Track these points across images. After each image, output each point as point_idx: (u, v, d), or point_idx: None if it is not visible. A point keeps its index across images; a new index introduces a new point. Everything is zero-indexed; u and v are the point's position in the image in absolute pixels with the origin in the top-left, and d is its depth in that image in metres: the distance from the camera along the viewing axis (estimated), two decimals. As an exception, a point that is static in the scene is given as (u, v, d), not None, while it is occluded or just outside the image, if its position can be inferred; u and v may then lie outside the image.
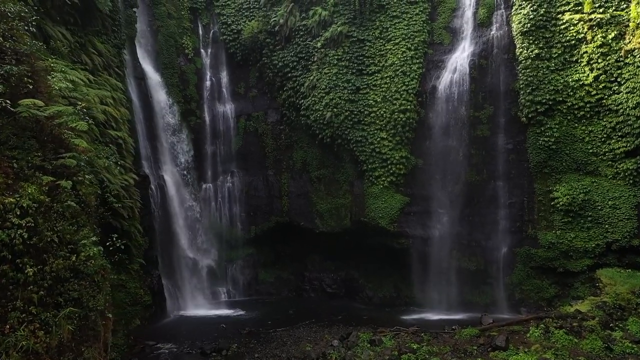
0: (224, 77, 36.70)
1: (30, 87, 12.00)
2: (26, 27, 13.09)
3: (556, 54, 28.13)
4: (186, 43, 35.04)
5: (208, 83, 36.13)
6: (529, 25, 28.48)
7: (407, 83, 31.23)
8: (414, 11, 32.27)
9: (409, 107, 30.97)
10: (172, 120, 32.78)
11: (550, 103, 28.01)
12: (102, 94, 22.71)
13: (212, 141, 35.62)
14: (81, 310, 11.07)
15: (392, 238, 31.80)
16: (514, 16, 29.33)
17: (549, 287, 28.38)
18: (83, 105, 14.60)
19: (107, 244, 14.26)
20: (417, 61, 31.53)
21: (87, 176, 12.70)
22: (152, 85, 31.60)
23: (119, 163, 23.46)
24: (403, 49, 31.69)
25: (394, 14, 32.43)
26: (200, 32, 36.54)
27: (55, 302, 10.73)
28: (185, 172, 33.31)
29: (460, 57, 30.81)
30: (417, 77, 31.22)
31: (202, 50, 36.35)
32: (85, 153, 13.53)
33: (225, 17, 36.33)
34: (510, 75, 29.62)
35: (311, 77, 33.27)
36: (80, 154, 12.80)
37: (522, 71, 28.70)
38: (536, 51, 28.29)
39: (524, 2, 29.02)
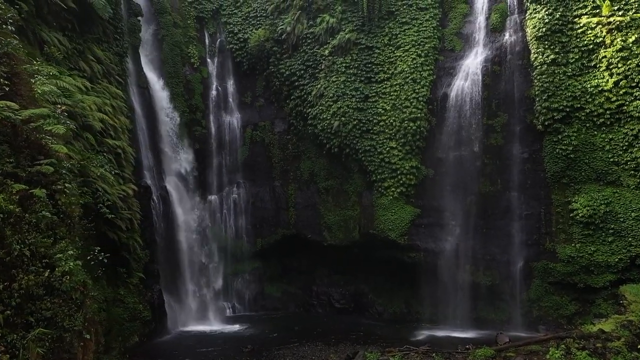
0: (231, 86, 36.05)
1: (7, 89, 11.20)
2: (4, 26, 12.32)
3: (573, 59, 26.92)
4: (192, 52, 34.50)
5: (214, 92, 35.49)
6: (544, 29, 27.37)
7: (417, 90, 30.22)
8: (424, 17, 31.36)
9: (419, 115, 29.93)
10: (176, 130, 32.08)
11: (568, 110, 26.75)
12: (100, 101, 22.04)
13: (217, 151, 34.87)
14: (54, 330, 10.12)
15: (402, 251, 30.59)
16: (529, 21, 28.25)
17: (568, 303, 26.89)
18: (63, 108, 13.80)
19: (93, 255, 13.29)
20: (428, 68, 30.53)
21: (68, 184, 11.81)
22: (156, 95, 31.00)
23: (118, 173, 22.78)
24: (413, 56, 30.74)
25: (404, 20, 31.57)
26: (207, 41, 36.00)
27: (25, 322, 9.80)
28: (189, 183, 32.52)
29: (473, 64, 29.76)
30: (427, 84, 30.21)
31: (208, 60, 35.78)
32: (69, 159, 12.64)
33: (232, 25, 35.80)
34: (525, 82, 28.47)
35: (318, 86, 32.44)
36: (61, 160, 11.90)
37: (538, 77, 27.54)
38: (552, 56, 27.13)
39: (538, 6, 27.94)
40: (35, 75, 13.42)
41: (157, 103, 30.90)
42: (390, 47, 31.59)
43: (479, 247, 29.08)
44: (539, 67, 27.51)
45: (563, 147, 26.87)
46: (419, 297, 30.97)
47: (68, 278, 10.49)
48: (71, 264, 10.70)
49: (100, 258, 13.20)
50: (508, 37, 29.20)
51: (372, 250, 31.95)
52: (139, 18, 30.81)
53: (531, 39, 28.01)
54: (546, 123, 27.26)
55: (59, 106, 13.31)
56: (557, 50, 27.16)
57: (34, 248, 10.21)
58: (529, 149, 28.33)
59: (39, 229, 10.55)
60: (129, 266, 23.79)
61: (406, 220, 30.04)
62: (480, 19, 30.55)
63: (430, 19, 31.21)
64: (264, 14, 35.39)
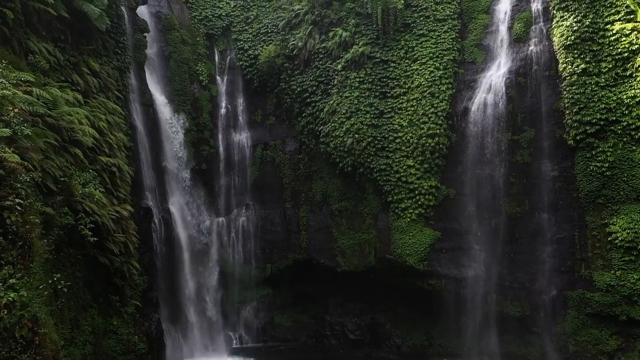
0: (240, 104, 34.71)
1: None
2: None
3: (606, 69, 24.78)
4: (201, 69, 33.35)
5: (223, 111, 34.16)
6: (572, 37, 25.40)
7: (435, 105, 28.36)
8: (442, 29, 29.71)
9: (438, 131, 28.00)
10: (182, 149, 30.66)
11: (602, 123, 24.49)
12: (94, 116, 20.65)
13: (226, 172, 33.35)
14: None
15: (421, 278, 28.37)
16: (555, 29, 26.34)
17: (609, 338, 24.11)
18: (16, 111, 12.20)
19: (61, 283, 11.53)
20: (447, 81, 28.72)
21: (21, 200, 10.09)
22: (161, 113, 29.77)
23: (112, 192, 21.24)
24: (431, 69, 29.00)
25: (421, 32, 29.97)
26: (216, 58, 34.89)
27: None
28: (195, 204, 30.92)
29: (495, 76, 27.87)
30: (446, 98, 28.37)
31: (217, 77, 34.58)
32: (27, 172, 10.97)
33: (242, 42, 34.68)
34: (553, 94, 26.43)
35: (331, 102, 30.84)
36: (14, 171, 10.22)
37: (567, 89, 25.47)
38: (582, 66, 25.06)
39: (566, 14, 26.02)
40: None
41: (161, 121, 29.62)
42: (407, 61, 29.96)
43: (506, 274, 26.73)
44: (568, 77, 25.49)
45: (598, 163, 24.53)
46: (441, 328, 28.67)
47: (6, 312, 8.66)
48: (12, 295, 8.88)
49: (60, 287, 11.21)
50: (533, 47, 27.32)
51: (389, 277, 29.84)
52: (145, 34, 29.80)
53: (559, 49, 26.07)
54: (578, 138, 25.05)
55: (11, 108, 11.76)
56: (587, 59, 25.13)
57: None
58: (559, 166, 26.09)
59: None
60: (123, 293, 22.02)
61: (425, 244, 27.85)
62: (503, 29, 28.81)
63: (449, 30, 29.61)
64: (275, 30, 34.26)
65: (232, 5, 35.09)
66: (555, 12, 26.57)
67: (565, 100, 25.53)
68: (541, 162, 26.51)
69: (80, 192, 16.16)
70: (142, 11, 30.90)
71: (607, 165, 24.29)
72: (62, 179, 15.59)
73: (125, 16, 27.76)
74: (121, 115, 23.54)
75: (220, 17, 34.81)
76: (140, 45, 29.25)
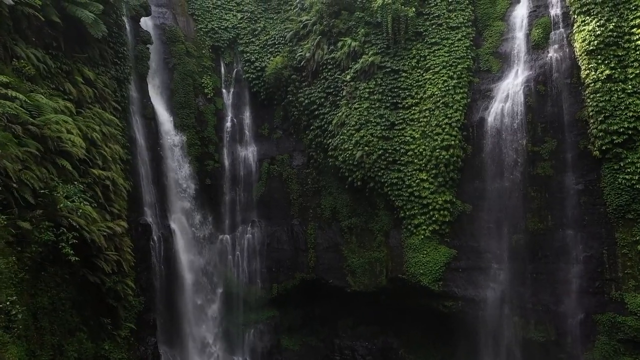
0: (247, 117, 33.58)
1: None
2: None
3: (633, 74, 23.30)
4: (206, 82, 32.34)
5: (229, 124, 33.02)
6: (595, 42, 23.94)
7: (449, 115, 26.95)
8: (455, 37, 28.49)
9: (452, 142, 26.54)
10: (184, 164, 29.50)
11: (630, 132, 22.88)
12: (87, 126, 19.56)
13: (231, 187, 32.06)
14: None
15: (436, 299, 26.74)
16: (577, 34, 24.91)
17: (644, 367, 22.04)
18: None
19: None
20: (461, 91, 27.37)
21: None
22: (163, 126, 28.73)
23: (104, 207, 20.02)
24: (444, 78, 27.70)
25: (433, 40, 28.79)
26: (223, 71, 33.91)
27: None
28: (197, 221, 29.60)
29: (513, 84, 26.45)
30: (461, 108, 27.00)
31: (223, 90, 33.54)
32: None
33: (248, 54, 33.72)
34: (575, 102, 24.90)
35: (340, 114, 29.60)
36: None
37: (591, 96, 23.91)
38: (607, 72, 23.53)
39: (587, 18, 24.60)
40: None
41: (164, 135, 28.55)
42: (419, 70, 28.72)
43: (528, 295, 24.96)
44: (592, 84, 23.97)
45: (627, 176, 22.80)
46: (458, 354, 27.08)
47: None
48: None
49: (14, 312, 9.84)
50: (553, 53, 25.93)
51: (402, 298, 28.28)
52: (148, 46, 28.97)
53: (581, 54, 24.62)
54: (604, 148, 23.38)
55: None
56: (612, 65, 23.65)
57: None
58: (584, 179, 24.40)
59: None
60: (117, 315, 20.60)
61: (440, 263, 26.21)
62: (520, 36, 27.50)
63: (463, 38, 28.41)
64: (283, 41, 33.31)
65: (239, 17, 34.26)
66: (575, 16, 25.18)
67: (589, 109, 23.95)
68: (564, 175, 24.87)
69: (64, 205, 14.88)
70: (146, 23, 30.13)
71: (637, 177, 22.61)
72: (42, 191, 14.36)
73: (127, 27, 27.02)
74: (118, 127, 22.46)
75: (227, 29, 33.95)
76: (143, 56, 28.42)
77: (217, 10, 34.17)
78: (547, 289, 24.69)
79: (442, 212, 26.55)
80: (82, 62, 21.18)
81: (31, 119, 15.02)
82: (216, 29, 33.81)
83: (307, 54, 31.51)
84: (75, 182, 16.16)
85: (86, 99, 20.76)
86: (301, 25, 32.54)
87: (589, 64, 24.22)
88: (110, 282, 19.65)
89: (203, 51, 33.14)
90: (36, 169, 14.56)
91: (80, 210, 15.70)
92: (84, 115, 20.17)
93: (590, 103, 23.95)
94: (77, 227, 16.74)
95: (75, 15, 19.64)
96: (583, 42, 24.47)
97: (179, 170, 29.09)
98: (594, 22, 24.26)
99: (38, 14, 17.80)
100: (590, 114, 23.92)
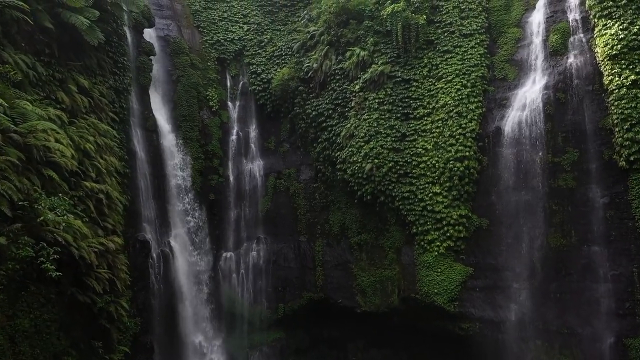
0: (253, 130, 32.55)
1: None
2: None
3: (660, 79, 21.72)
4: (211, 95, 31.48)
5: (234, 137, 32.00)
6: (619, 47, 22.67)
7: (463, 125, 25.67)
8: (468, 44, 27.40)
9: (467, 153, 25.20)
10: (188, 178, 28.41)
11: (659, 141, 21.25)
12: (80, 137, 18.57)
13: (236, 202, 30.87)
14: None
15: (452, 321, 25.15)
16: (598, 39, 23.64)
17: (682, 397, 20.10)
18: None
19: None
20: (475, 100, 26.13)
21: None
22: (165, 139, 27.82)
23: (97, 222, 18.93)
24: (457, 87, 26.51)
25: (445, 48, 27.72)
26: (228, 83, 33.05)
27: None
28: (200, 238, 28.40)
29: (531, 92, 25.17)
30: (475, 117, 25.74)
31: (229, 103, 32.61)
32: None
33: (255, 66, 32.87)
34: (598, 110, 23.50)
35: (348, 125, 28.45)
36: None
37: (616, 103, 22.51)
38: (632, 77, 22.19)
39: (609, 21, 23.32)
40: None
41: (165, 148, 27.61)
42: (430, 79, 27.60)
43: (552, 316, 23.20)
44: (616, 91, 22.60)
45: (657, 187, 21.14)
46: (477, 380, 24.82)
47: None
48: None
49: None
50: (573, 59, 24.68)
51: (416, 319, 26.74)
52: (151, 57, 28.24)
53: (603, 60, 23.29)
54: (631, 158, 21.89)
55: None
56: (638, 70, 22.45)
57: None
58: (610, 191, 22.82)
59: None
60: (109, 338, 19.34)
61: (456, 281, 24.69)
62: (537, 42, 26.31)
63: (477, 45, 27.35)
64: (289, 53, 32.47)
65: (245, 29, 33.53)
66: (596, 20, 23.92)
67: (614, 117, 22.49)
68: (588, 187, 23.28)
69: (44, 218, 13.73)
70: (150, 34, 29.48)
71: (668, 189, 20.94)
72: (20, 203, 13.25)
73: (128, 37, 26.35)
74: (115, 138, 21.52)
75: (233, 41, 33.20)
76: (145, 68, 27.66)
77: (223, 22, 33.52)
78: (572, 310, 22.89)
79: (457, 227, 25.06)
80: (78, 71, 20.34)
81: (13, 126, 14.01)
82: (222, 40, 33.08)
83: (315, 65, 30.55)
84: (60, 194, 15.00)
85: (80, 109, 19.84)
86: (308, 36, 31.68)
87: (612, 69, 22.86)
88: (101, 302, 18.43)
89: (208, 63, 32.37)
90: (16, 180, 13.48)
91: (64, 224, 14.52)
92: (77, 125, 19.22)
93: (615, 110, 22.49)
94: (64, 242, 15.62)
95: (70, 22, 18.82)
96: (605, 46, 23.15)
97: (182, 184, 27.99)
98: (616, 25, 22.96)
99: (28, 18, 16.95)
100: (615, 122, 22.43)
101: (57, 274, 13.94)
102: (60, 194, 15.02)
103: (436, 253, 25.29)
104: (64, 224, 14.45)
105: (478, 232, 25.24)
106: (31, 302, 15.15)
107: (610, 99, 22.78)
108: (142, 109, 26.91)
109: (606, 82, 23.06)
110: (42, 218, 13.61)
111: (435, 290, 24.83)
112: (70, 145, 17.66)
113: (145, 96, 27.44)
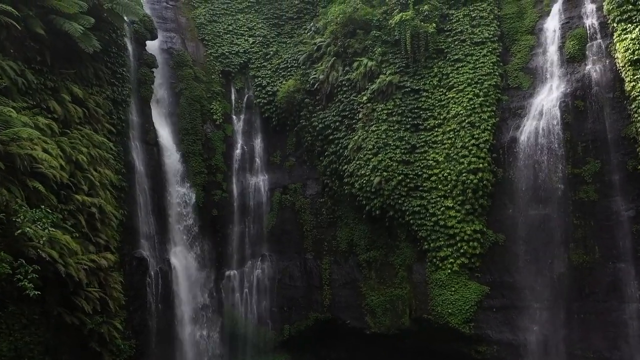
0: (258, 144, 31.62)
1: None
2: None
3: (686, 84, 20.43)
4: (215, 108, 30.68)
5: (238, 152, 31.07)
6: (640, 51, 21.33)
7: (476, 136, 24.49)
8: (480, 52, 26.38)
9: (480, 165, 23.95)
10: (189, 193, 27.46)
11: (688, 149, 19.87)
12: (72, 147, 17.68)
13: (239, 218, 29.81)
14: None
15: (468, 344, 23.66)
16: (618, 44, 22.50)
17: None
18: None
19: None
20: (489, 109, 24.99)
21: None
22: (166, 153, 26.97)
23: (88, 238, 17.91)
24: (469, 96, 25.42)
25: (456, 57, 26.75)
26: (233, 96, 32.27)
27: None
28: (202, 255, 27.27)
29: (547, 100, 24.01)
30: (489, 127, 24.55)
31: (233, 116, 31.80)
32: None
33: (260, 79, 32.06)
34: (620, 118, 22.28)
35: (356, 137, 27.41)
36: None
37: (639, 111, 21.09)
38: (656, 83, 20.81)
39: (629, 25, 22.21)
40: None
41: (166, 162, 26.75)
42: (441, 89, 26.56)
43: (576, 339, 21.66)
44: (639, 98, 21.13)
45: (687, 199, 19.69)
46: (496, 408, 23.19)
47: None
48: None
49: None
50: (591, 66, 23.53)
51: (429, 341, 25.29)
52: (153, 70, 27.59)
53: (624, 65, 22.14)
54: (658, 168, 20.41)
55: None
56: (662, 75, 20.90)
57: None
58: (636, 204, 21.51)
59: None
60: (100, 362, 18.13)
61: (471, 301, 23.26)
62: (552, 49, 25.23)
63: (489, 53, 26.34)
64: (295, 64, 31.63)
65: (250, 42, 32.84)
66: (615, 25, 22.81)
67: (638, 124, 21.25)
68: (611, 200, 21.91)
69: (25, 232, 12.70)
70: (153, 46, 28.86)
71: (700, 200, 19.49)
72: (-2, 215, 12.30)
73: (129, 48, 25.75)
74: (111, 150, 20.60)
75: (238, 53, 32.49)
76: (146, 80, 26.97)
77: (228, 35, 32.89)
78: (597, 331, 21.31)
79: (471, 243, 23.68)
80: (72, 80, 19.57)
81: (-9, 133, 13.14)
82: (227, 53, 32.39)
83: (321, 76, 29.66)
84: (43, 207, 13.99)
85: (74, 119, 19.00)
86: (315, 47, 30.87)
87: (634, 75, 21.63)
88: (92, 323, 17.34)
89: (213, 76, 31.65)
90: (-7, 189, 12.56)
91: (44, 238, 13.48)
92: (69, 136, 18.37)
93: (638, 118, 21.22)
94: (48, 259, 14.59)
95: (63, 28, 18.09)
96: (626, 51, 21.96)
97: (183, 199, 27.02)
98: (637, 29, 21.80)
99: (17, 24, 16.23)
100: (639, 130, 21.15)
101: (36, 292, 12.85)
102: (43, 207, 14.00)
103: (449, 271, 23.89)
104: (45, 238, 13.41)
105: (494, 248, 23.84)
106: (11, 323, 14.10)
107: (633, 106, 21.50)
108: (143, 122, 26.11)
109: (628, 89, 21.82)
110: (19, 231, 12.59)
111: (449, 311, 23.37)
112: (61, 156, 16.81)
113: (146, 109, 26.68)
